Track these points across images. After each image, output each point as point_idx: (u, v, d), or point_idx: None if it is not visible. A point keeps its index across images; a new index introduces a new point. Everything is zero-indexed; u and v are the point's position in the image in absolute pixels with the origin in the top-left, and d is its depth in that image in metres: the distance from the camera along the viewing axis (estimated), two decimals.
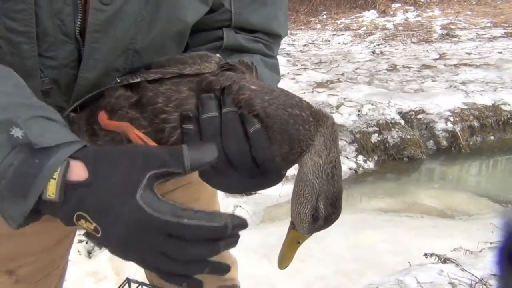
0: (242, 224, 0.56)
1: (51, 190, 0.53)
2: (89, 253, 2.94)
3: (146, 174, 0.54)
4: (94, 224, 0.54)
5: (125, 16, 0.70)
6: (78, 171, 0.55)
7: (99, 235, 0.55)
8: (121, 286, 1.04)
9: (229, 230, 0.54)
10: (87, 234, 0.57)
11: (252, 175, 0.62)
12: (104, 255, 2.76)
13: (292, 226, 0.68)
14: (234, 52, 0.85)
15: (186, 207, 0.55)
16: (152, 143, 0.62)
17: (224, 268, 0.58)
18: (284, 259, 0.70)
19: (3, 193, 0.54)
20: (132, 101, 0.65)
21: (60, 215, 0.56)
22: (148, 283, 1.11)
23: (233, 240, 0.57)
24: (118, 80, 0.69)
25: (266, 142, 0.61)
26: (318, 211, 0.64)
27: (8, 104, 0.56)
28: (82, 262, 2.70)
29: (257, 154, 0.61)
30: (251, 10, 0.84)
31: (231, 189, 0.66)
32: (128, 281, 1.04)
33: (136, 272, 1.08)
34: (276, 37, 0.91)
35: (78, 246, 2.86)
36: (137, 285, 1.04)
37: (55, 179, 0.53)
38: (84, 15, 0.70)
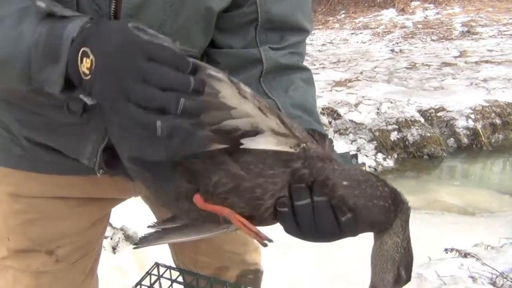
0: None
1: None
2: (114, 249, 3.03)
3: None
4: (91, 57, 0.61)
5: (155, 1, 0.75)
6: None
7: (92, 70, 0.61)
8: (150, 271, 1.09)
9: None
10: (80, 98, 0.64)
11: (336, 238, 0.74)
12: (128, 251, 2.84)
13: None
14: (276, 75, 0.88)
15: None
16: (254, 228, 0.73)
17: (200, 106, 0.60)
18: None
19: (42, 61, 0.65)
20: (229, 187, 0.72)
21: (69, 56, 0.64)
22: (175, 267, 1.17)
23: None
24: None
25: (354, 227, 0.73)
26: (400, 277, 0.79)
27: None
28: (107, 258, 2.78)
29: (345, 232, 0.73)
30: (276, 1, 0.87)
31: (308, 240, 0.76)
32: (157, 265, 1.10)
33: (163, 260, 1.14)
34: (302, 32, 0.93)
35: (104, 242, 2.95)
36: (165, 269, 1.10)
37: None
38: (117, 0, 0.75)
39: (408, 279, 0.80)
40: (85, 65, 0.61)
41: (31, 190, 0.97)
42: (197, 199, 0.73)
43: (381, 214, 0.74)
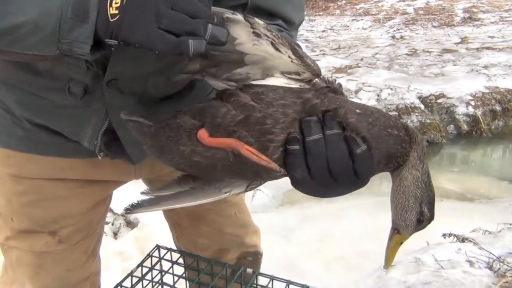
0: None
1: None
2: (115, 234, 3.06)
3: None
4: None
5: None
6: None
7: (122, 5, 0.62)
8: (151, 253, 1.11)
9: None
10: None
11: (350, 184, 0.69)
12: (129, 236, 2.87)
13: (396, 231, 0.79)
14: None
15: None
16: (264, 158, 0.68)
17: (225, 34, 0.62)
18: (390, 260, 0.81)
19: (71, 20, 0.64)
20: (239, 119, 0.69)
21: (99, 3, 0.64)
22: (176, 249, 1.18)
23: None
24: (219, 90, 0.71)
25: (370, 161, 0.68)
26: (423, 215, 0.75)
27: None
28: (109, 243, 2.81)
29: (361, 170, 0.68)
30: None
31: (325, 196, 0.73)
32: (158, 247, 1.11)
33: (164, 244, 1.15)
34: (290, 25, 0.92)
35: (105, 228, 2.98)
36: (166, 251, 1.11)
37: None
38: None
39: (431, 217, 0.76)
40: (115, 5, 0.62)
41: (32, 172, 0.98)
42: (202, 133, 0.69)
43: (397, 144, 0.70)
